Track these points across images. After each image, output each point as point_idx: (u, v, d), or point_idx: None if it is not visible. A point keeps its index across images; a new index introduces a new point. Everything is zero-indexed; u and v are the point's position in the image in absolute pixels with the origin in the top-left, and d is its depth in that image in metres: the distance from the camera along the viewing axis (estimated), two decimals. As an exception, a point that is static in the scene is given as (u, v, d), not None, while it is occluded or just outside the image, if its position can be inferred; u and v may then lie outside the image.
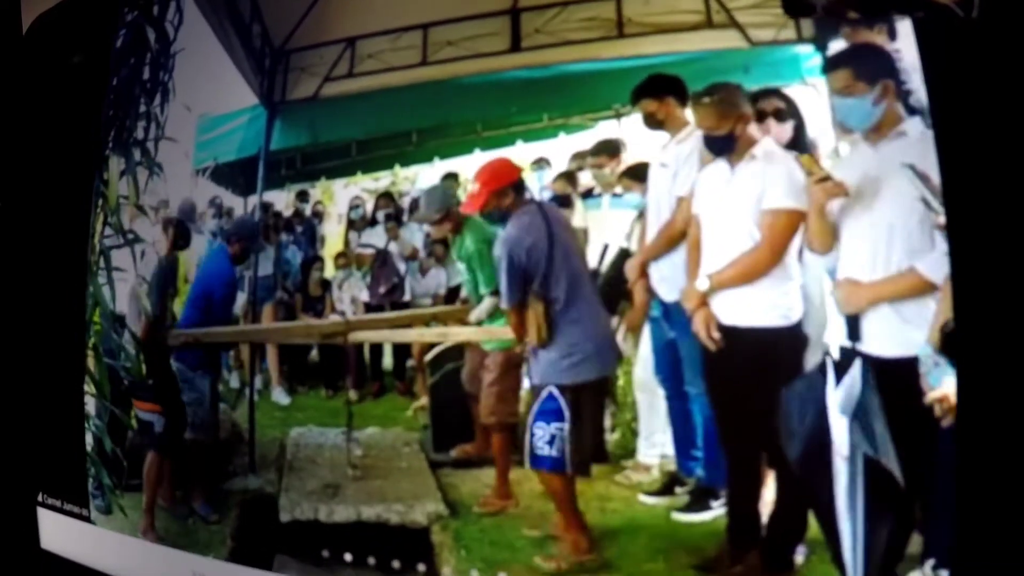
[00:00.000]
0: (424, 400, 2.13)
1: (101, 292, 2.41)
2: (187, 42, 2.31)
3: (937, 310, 1.41)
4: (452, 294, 2.18)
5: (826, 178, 1.54)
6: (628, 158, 1.89)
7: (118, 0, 2.41)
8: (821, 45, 1.61)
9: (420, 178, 2.23)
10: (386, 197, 2.27)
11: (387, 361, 2.29)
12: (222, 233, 2.34)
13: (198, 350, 2.34)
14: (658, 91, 1.77)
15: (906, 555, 1.46)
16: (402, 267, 2.28)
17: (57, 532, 2.47)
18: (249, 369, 2.32)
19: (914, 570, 1.43)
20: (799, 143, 1.63)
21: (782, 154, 1.65)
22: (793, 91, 1.66)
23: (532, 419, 1.87)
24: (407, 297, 2.28)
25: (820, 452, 1.53)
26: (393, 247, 2.28)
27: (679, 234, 1.77)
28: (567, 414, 1.84)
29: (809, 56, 1.64)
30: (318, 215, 2.34)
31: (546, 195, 1.97)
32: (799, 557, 1.57)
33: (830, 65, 1.57)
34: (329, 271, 2.32)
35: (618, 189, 1.90)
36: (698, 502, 1.74)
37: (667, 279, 1.79)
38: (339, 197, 2.33)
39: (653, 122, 1.79)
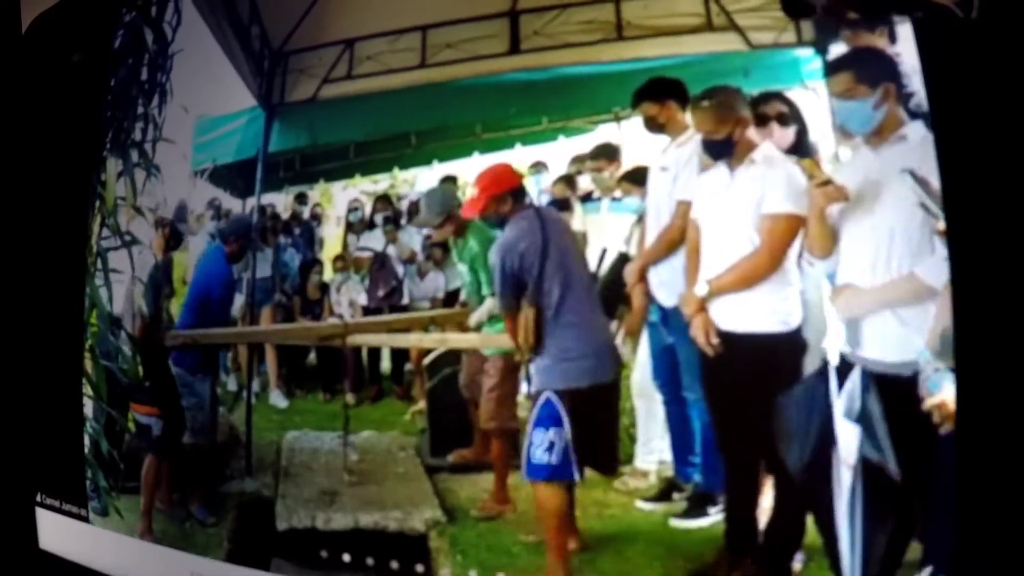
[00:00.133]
0: (422, 404, 2.13)
1: (98, 294, 2.40)
2: (185, 43, 2.30)
3: (936, 315, 1.40)
4: (450, 298, 2.18)
5: (827, 182, 1.53)
6: (627, 162, 1.88)
7: (117, 0, 2.41)
8: (821, 48, 1.60)
9: (419, 181, 2.23)
10: (384, 200, 2.27)
11: (385, 365, 2.29)
12: (218, 233, 2.32)
13: (197, 353, 2.33)
14: (659, 94, 1.76)
15: (904, 562, 1.45)
16: (400, 270, 2.27)
17: (55, 532, 2.47)
18: (247, 372, 2.31)
19: (912, 577, 1.42)
20: (801, 148, 1.63)
21: (782, 158, 1.64)
22: (794, 95, 1.66)
23: (531, 426, 1.84)
24: (405, 300, 2.27)
25: (819, 459, 1.53)
26: (391, 250, 2.27)
27: (679, 238, 1.77)
28: (565, 420, 1.82)
29: (809, 59, 1.63)
30: (317, 217, 2.34)
31: (545, 199, 1.96)
32: (797, 564, 1.57)
33: (831, 68, 1.56)
34: (328, 274, 2.32)
35: (617, 193, 1.90)
36: (696, 508, 1.74)
37: (666, 284, 1.79)
38: (338, 199, 2.33)
39: (654, 125, 1.79)
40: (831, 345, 1.57)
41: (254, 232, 2.30)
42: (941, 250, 1.38)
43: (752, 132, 1.67)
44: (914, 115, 1.47)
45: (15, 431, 2.53)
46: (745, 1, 1.68)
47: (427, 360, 2.12)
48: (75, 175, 2.44)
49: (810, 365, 1.59)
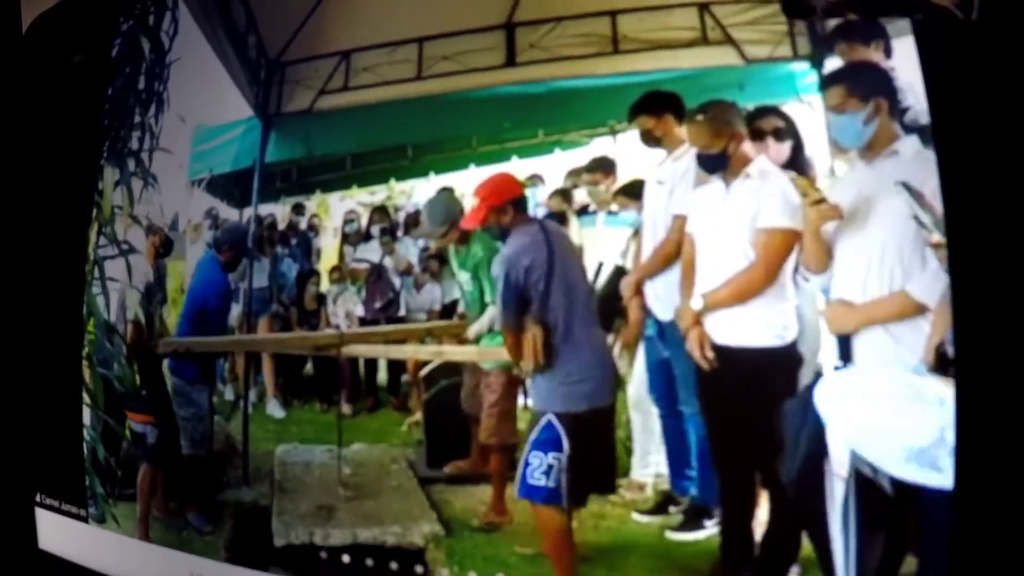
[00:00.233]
0: (418, 415, 2.13)
1: (95, 302, 2.40)
2: (182, 52, 2.30)
3: (931, 331, 1.40)
4: (447, 309, 2.18)
5: (821, 200, 1.53)
6: (623, 175, 1.88)
7: (117, 1, 2.41)
8: (816, 62, 1.61)
9: (416, 192, 2.23)
10: (380, 211, 2.27)
11: (382, 376, 2.29)
12: (212, 242, 2.33)
13: (195, 363, 2.33)
14: (656, 108, 1.76)
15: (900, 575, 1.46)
16: (397, 282, 2.27)
17: (55, 532, 2.46)
18: (244, 382, 2.32)
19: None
20: (797, 163, 1.63)
21: (777, 173, 1.64)
22: (789, 109, 1.66)
23: (529, 448, 1.81)
24: (402, 312, 2.27)
25: (812, 471, 1.53)
26: (388, 262, 2.27)
27: (675, 252, 1.77)
28: (566, 444, 1.79)
29: (805, 73, 1.64)
30: (314, 228, 2.34)
31: (540, 212, 1.97)
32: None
33: (825, 82, 1.57)
34: (325, 285, 2.32)
35: (614, 206, 1.90)
36: (692, 521, 1.74)
37: (662, 298, 1.79)
38: (334, 210, 2.33)
39: (650, 139, 1.79)
40: (825, 359, 1.58)
41: (250, 241, 2.30)
42: (933, 264, 1.39)
43: (747, 146, 1.67)
44: (908, 130, 1.47)
45: (15, 432, 2.53)
46: (740, 15, 1.68)
47: (424, 372, 2.12)
48: (74, 177, 2.43)
49: (805, 380, 1.59)
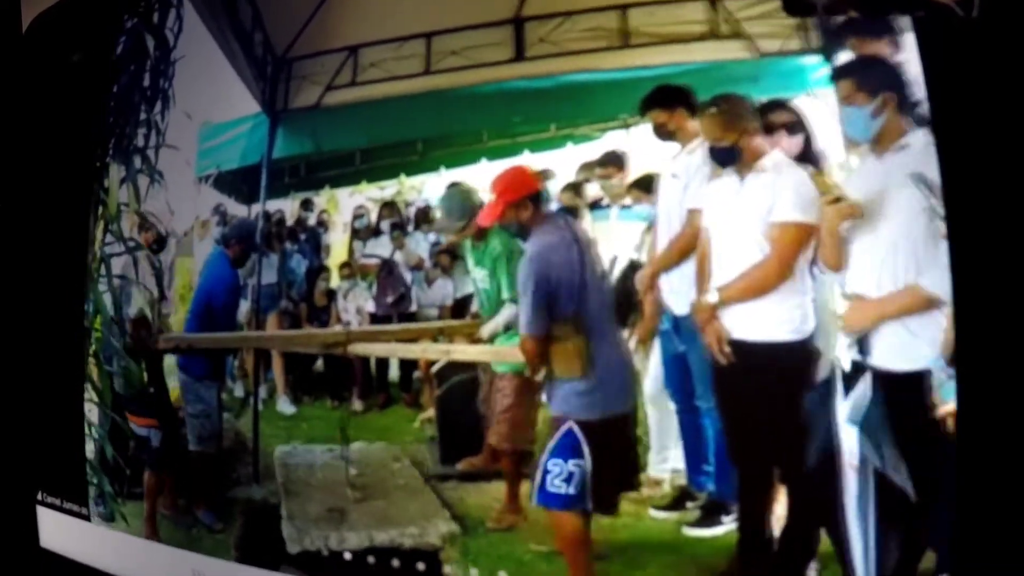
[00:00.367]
0: (431, 412, 2.12)
1: (101, 299, 2.40)
2: (187, 49, 2.30)
3: (948, 324, 1.40)
4: (459, 305, 2.17)
5: (840, 199, 1.53)
6: (635, 169, 1.88)
7: (118, 1, 2.40)
8: (828, 56, 1.60)
9: (426, 187, 2.23)
10: (390, 207, 2.27)
11: (394, 372, 2.28)
12: (220, 237, 2.32)
13: (203, 359, 2.33)
14: (668, 102, 1.75)
15: (919, 570, 1.45)
16: (408, 277, 2.27)
17: (57, 531, 2.47)
18: (253, 379, 2.31)
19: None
20: (809, 156, 1.63)
21: (791, 166, 1.64)
22: (801, 102, 1.66)
23: (547, 455, 1.76)
24: (413, 307, 2.26)
25: (831, 467, 1.52)
26: (399, 256, 2.26)
27: (689, 246, 1.76)
28: (587, 451, 1.74)
29: (816, 67, 1.63)
30: (323, 224, 2.34)
31: (552, 207, 1.95)
32: (811, 573, 1.57)
33: (834, 75, 1.56)
34: (335, 281, 2.31)
35: (627, 200, 1.89)
36: (709, 517, 1.74)
37: (677, 292, 1.79)
38: (344, 206, 2.33)
39: (663, 133, 1.78)
40: (841, 353, 1.57)
41: (258, 237, 2.30)
42: (945, 257, 1.38)
43: (760, 140, 1.67)
44: (918, 123, 1.46)
45: (17, 431, 2.53)
46: (751, 8, 1.67)
47: (436, 368, 2.10)
48: (77, 173, 2.43)
49: (822, 373, 1.59)
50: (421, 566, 1.89)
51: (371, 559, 1.95)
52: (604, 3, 1.80)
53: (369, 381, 2.26)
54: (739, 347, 1.67)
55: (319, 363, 2.32)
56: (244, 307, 2.31)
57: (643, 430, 1.85)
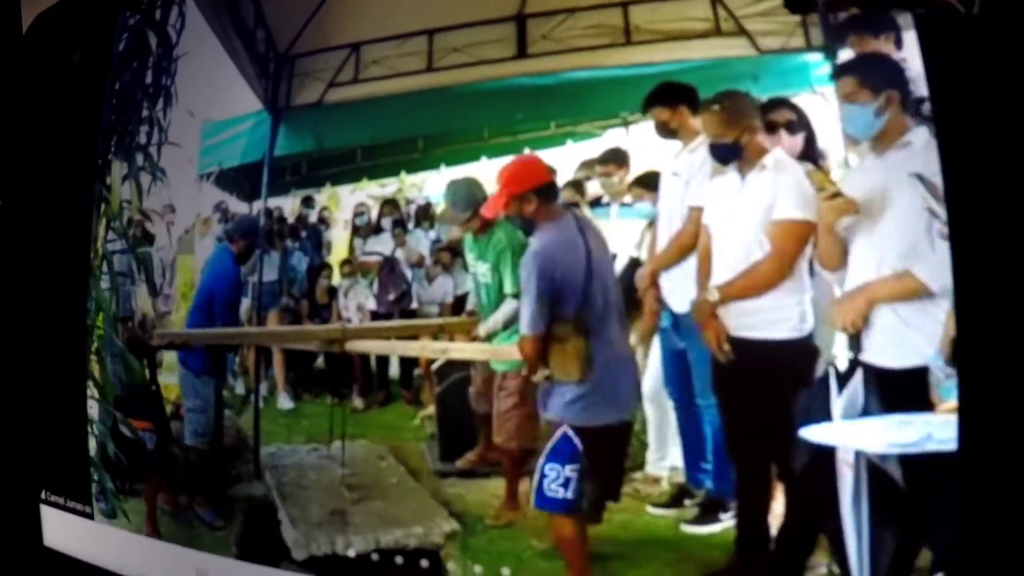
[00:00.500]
0: (431, 409, 2.12)
1: (104, 297, 2.40)
2: (190, 46, 2.30)
3: (948, 321, 1.40)
4: (459, 302, 2.17)
5: (836, 194, 1.52)
6: (636, 167, 1.87)
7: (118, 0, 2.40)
8: (830, 54, 1.59)
9: (427, 185, 2.23)
10: (391, 204, 2.26)
11: (394, 370, 2.28)
12: (224, 233, 2.32)
13: (202, 354, 2.33)
14: (670, 99, 1.75)
15: (916, 567, 1.44)
16: (409, 274, 2.26)
17: (60, 529, 2.47)
18: (255, 376, 2.31)
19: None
20: (810, 155, 1.62)
21: (793, 164, 1.63)
22: (802, 100, 1.65)
23: (544, 459, 1.73)
24: (414, 305, 2.26)
25: (828, 464, 1.52)
26: (400, 254, 2.26)
27: (690, 244, 1.76)
28: (583, 456, 1.71)
29: (818, 64, 1.63)
30: (324, 221, 2.33)
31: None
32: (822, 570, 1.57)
33: (836, 73, 1.55)
34: (336, 278, 2.31)
35: (628, 198, 1.88)
36: (707, 514, 1.74)
37: (677, 289, 1.78)
38: (345, 203, 2.33)
39: (665, 131, 1.77)
40: (839, 350, 1.57)
41: (260, 232, 2.30)
42: (941, 249, 1.37)
43: (762, 138, 1.66)
44: (920, 121, 1.46)
45: (20, 430, 2.53)
46: (753, 6, 1.67)
47: (436, 365, 2.10)
48: (77, 173, 2.43)
49: (821, 371, 1.59)
50: (423, 563, 1.89)
51: (374, 557, 1.95)
52: (606, 0, 1.80)
53: (369, 378, 2.26)
54: (739, 345, 1.66)
55: (320, 360, 2.31)
56: (245, 304, 2.31)
57: (641, 427, 1.84)
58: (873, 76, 1.49)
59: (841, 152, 1.61)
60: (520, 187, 1.77)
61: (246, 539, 2.15)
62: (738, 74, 1.73)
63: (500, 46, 1.94)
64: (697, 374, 1.78)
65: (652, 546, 1.74)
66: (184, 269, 2.38)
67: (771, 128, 1.65)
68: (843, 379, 1.53)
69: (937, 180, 1.38)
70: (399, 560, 1.93)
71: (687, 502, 1.78)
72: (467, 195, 1.95)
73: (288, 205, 2.34)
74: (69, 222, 2.43)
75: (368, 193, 2.30)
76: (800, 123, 1.64)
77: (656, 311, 1.81)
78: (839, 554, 1.51)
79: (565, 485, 1.71)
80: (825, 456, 1.52)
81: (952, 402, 1.36)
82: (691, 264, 1.75)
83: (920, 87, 1.43)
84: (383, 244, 2.28)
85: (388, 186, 2.29)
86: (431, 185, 2.20)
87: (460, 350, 2.05)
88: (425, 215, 2.22)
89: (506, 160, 1.90)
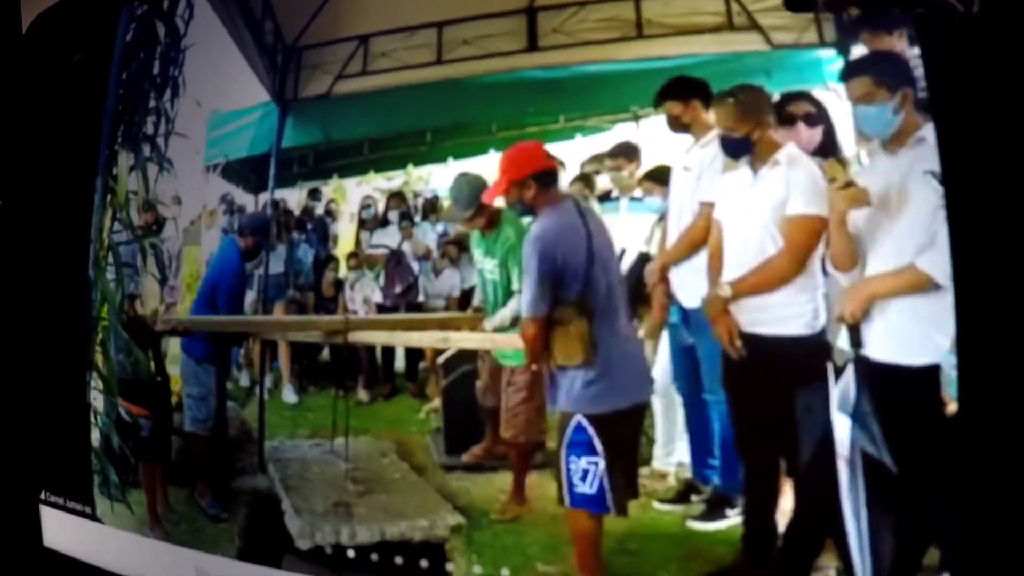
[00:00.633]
0: (437, 402, 2.11)
1: (109, 288, 2.40)
2: (197, 37, 2.30)
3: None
4: (466, 296, 2.16)
5: (848, 184, 1.52)
6: (646, 161, 1.86)
7: (118, -1, 2.41)
8: (843, 49, 1.59)
9: (434, 178, 2.22)
10: (398, 197, 2.26)
11: (400, 362, 2.27)
12: (236, 227, 2.31)
13: (203, 343, 2.33)
14: (683, 93, 1.74)
15: (923, 566, 1.44)
16: (415, 267, 2.26)
17: (60, 530, 2.47)
18: (260, 368, 2.30)
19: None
20: (829, 148, 1.61)
21: (806, 159, 1.63)
22: (820, 95, 1.64)
23: (565, 452, 1.72)
24: (420, 298, 2.25)
25: (826, 458, 1.52)
26: (406, 247, 2.25)
27: (701, 239, 1.75)
28: (600, 447, 1.70)
29: (831, 60, 1.62)
30: (331, 214, 2.33)
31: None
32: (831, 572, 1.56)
33: (849, 71, 1.55)
34: (343, 271, 2.30)
35: (638, 192, 1.87)
36: (714, 510, 1.73)
37: (687, 285, 1.78)
38: (351, 196, 2.32)
39: (677, 125, 1.76)
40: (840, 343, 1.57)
41: (271, 232, 2.30)
42: (944, 242, 1.38)
43: (775, 132, 1.65)
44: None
45: (20, 429, 2.53)
46: (765, 0, 1.66)
47: (442, 358, 2.09)
48: (78, 171, 2.43)
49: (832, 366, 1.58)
50: (428, 557, 1.88)
51: (378, 550, 1.94)
52: (619, -7, 1.80)
53: (375, 371, 2.25)
54: (751, 340, 1.66)
55: (325, 352, 2.31)
56: (251, 297, 2.30)
57: (648, 422, 1.84)
58: (889, 75, 1.49)
59: (853, 149, 1.60)
60: (519, 173, 1.77)
61: (250, 532, 2.14)
62: (751, 69, 1.72)
63: (510, 39, 1.93)
64: (706, 369, 1.77)
65: (658, 542, 1.73)
66: (189, 260, 2.37)
67: (789, 121, 1.64)
68: (841, 373, 1.54)
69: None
70: (403, 553, 1.91)
71: (694, 498, 1.76)
72: (470, 192, 1.94)
73: (294, 197, 2.33)
74: (70, 222, 2.43)
75: (375, 186, 2.30)
76: (819, 116, 1.62)
77: (665, 306, 1.80)
78: (843, 552, 1.51)
79: (584, 478, 1.71)
80: (832, 453, 1.51)
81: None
82: (701, 259, 1.74)
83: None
84: (390, 237, 2.27)
85: (395, 179, 2.29)
86: (438, 178, 2.19)
87: (463, 339, 2.05)
88: (432, 208, 2.21)
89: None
